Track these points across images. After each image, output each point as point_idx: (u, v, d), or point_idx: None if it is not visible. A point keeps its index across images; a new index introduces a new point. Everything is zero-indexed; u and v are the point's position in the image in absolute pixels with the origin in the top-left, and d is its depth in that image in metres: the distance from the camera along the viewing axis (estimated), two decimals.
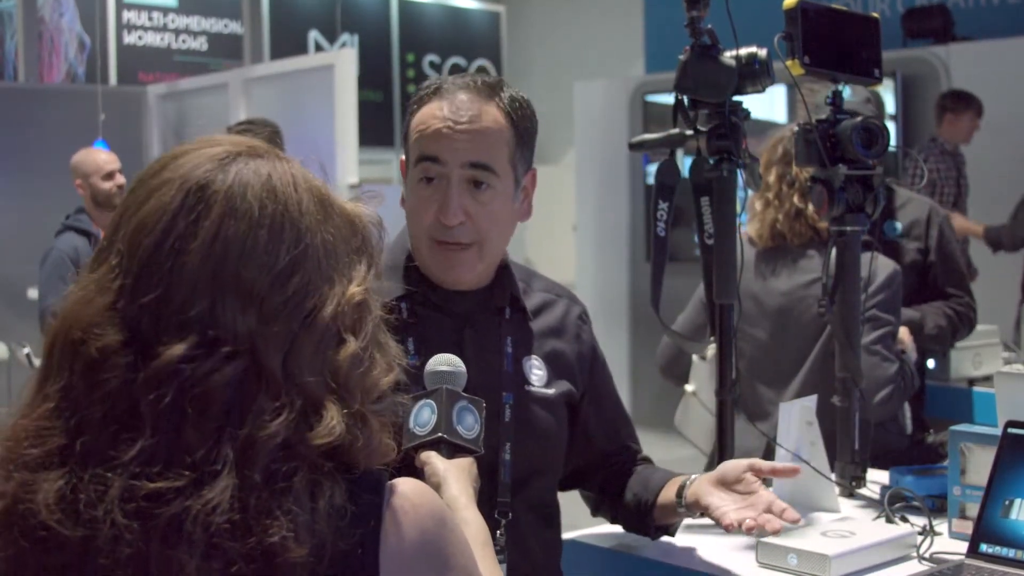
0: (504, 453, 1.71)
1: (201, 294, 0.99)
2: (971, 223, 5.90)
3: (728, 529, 1.69)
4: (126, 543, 0.95)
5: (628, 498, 1.92)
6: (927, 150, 6.00)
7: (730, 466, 1.78)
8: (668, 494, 1.85)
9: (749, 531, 1.71)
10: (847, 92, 2.25)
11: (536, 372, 1.83)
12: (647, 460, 2.00)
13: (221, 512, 0.95)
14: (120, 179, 4.75)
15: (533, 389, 1.80)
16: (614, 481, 1.95)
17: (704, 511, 1.76)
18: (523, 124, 1.76)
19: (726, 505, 1.73)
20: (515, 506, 1.71)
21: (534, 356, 1.84)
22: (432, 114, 1.72)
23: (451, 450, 1.43)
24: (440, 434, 1.42)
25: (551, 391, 1.83)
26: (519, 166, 1.77)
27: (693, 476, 1.84)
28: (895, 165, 2.80)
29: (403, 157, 1.81)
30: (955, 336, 3.38)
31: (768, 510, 1.69)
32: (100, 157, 4.81)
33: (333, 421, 1.01)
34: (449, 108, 1.72)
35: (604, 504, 2.00)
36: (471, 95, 1.73)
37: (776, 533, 1.71)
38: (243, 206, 1.02)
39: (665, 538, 1.93)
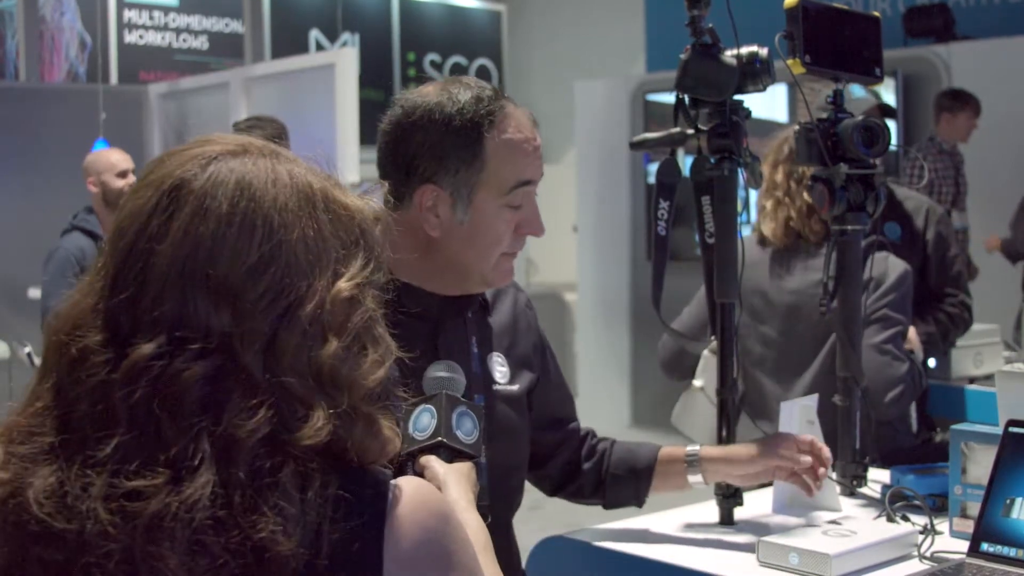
0: (480, 457, 1.70)
1: (170, 292, 1.00)
2: (994, 237, 5.88)
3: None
4: (112, 539, 0.96)
5: (614, 468, 1.96)
6: (925, 149, 5.99)
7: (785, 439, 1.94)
8: (673, 455, 1.97)
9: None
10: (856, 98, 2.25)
11: (500, 369, 1.83)
12: (594, 434, 2.04)
13: (202, 508, 0.95)
14: (133, 179, 4.74)
15: (499, 387, 1.81)
16: (579, 456, 1.98)
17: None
18: None
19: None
20: (493, 507, 1.71)
21: (495, 353, 1.84)
22: (520, 137, 1.70)
23: (450, 454, 1.42)
24: (440, 438, 1.42)
25: (515, 387, 1.84)
26: None
27: (695, 445, 1.94)
28: (895, 164, 2.81)
29: (433, 185, 1.67)
30: (946, 339, 3.39)
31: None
32: (113, 156, 4.80)
33: (319, 422, 1.00)
34: (527, 128, 1.71)
35: (571, 480, 1.99)
36: (522, 109, 1.74)
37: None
38: (213, 204, 1.02)
39: (664, 537, 1.93)
